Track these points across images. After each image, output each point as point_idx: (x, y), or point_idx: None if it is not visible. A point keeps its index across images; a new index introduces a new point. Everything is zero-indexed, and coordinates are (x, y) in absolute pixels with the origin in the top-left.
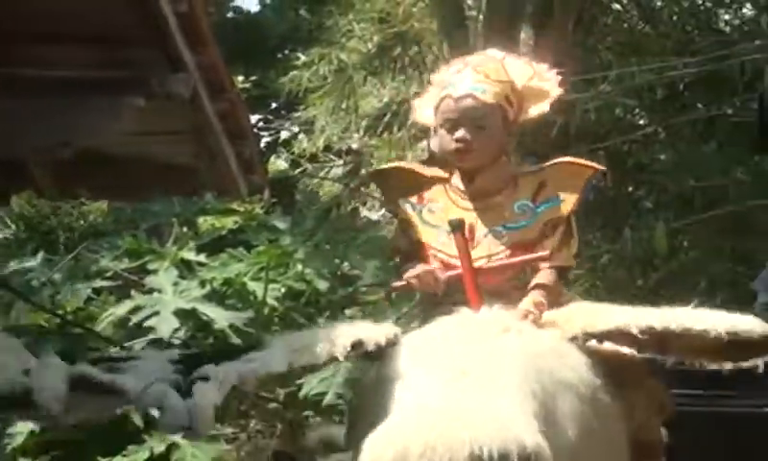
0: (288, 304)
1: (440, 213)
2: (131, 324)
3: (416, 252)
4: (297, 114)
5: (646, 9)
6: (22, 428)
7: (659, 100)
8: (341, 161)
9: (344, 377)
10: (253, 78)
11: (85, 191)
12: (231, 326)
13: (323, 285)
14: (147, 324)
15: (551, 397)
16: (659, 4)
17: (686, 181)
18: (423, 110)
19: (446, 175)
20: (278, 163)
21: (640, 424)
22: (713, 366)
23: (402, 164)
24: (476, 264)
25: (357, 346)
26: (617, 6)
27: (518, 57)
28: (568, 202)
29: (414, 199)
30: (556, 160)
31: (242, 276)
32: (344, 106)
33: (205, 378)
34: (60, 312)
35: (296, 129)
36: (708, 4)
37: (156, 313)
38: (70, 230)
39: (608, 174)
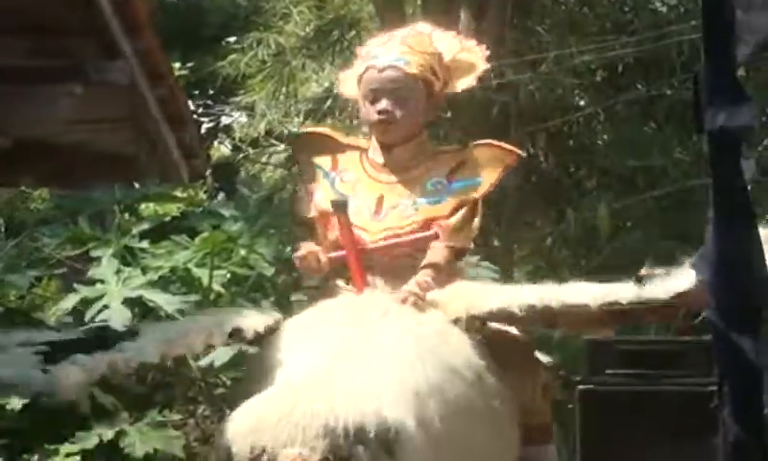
0: (234, 290)
1: (351, 183)
2: (85, 320)
3: (317, 220)
4: (236, 99)
5: None
6: None
7: (598, 81)
8: (282, 146)
9: None
10: (190, 64)
11: (25, 180)
12: (180, 311)
13: (268, 270)
14: (99, 318)
15: (434, 379)
16: None
17: (627, 162)
18: (348, 83)
19: (365, 144)
20: (221, 149)
21: (526, 406)
22: (596, 332)
23: (320, 129)
24: (379, 236)
25: (236, 334)
26: None
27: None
28: (484, 184)
29: (328, 165)
30: (477, 142)
31: (187, 262)
32: (283, 90)
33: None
34: (3, 301)
35: (236, 114)
36: None
37: (106, 306)
38: (10, 219)
39: (549, 155)
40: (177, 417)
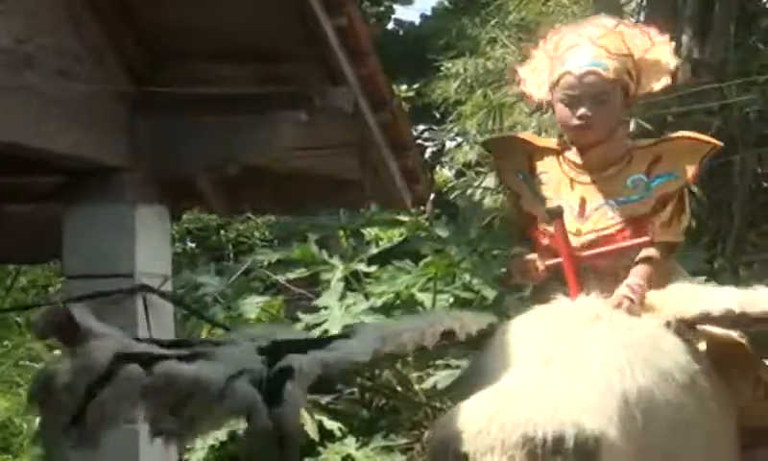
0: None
1: (551, 185)
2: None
3: (526, 224)
4: (449, 124)
5: None
6: (202, 443)
7: None
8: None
9: None
10: (416, 86)
11: (252, 205)
12: None
13: (490, 294)
14: None
15: (643, 384)
16: None
17: None
18: (535, 85)
19: (560, 147)
20: (443, 173)
21: (747, 409)
22: None
23: (516, 134)
24: (585, 238)
25: (448, 335)
26: None
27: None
28: (684, 177)
29: (526, 169)
30: (673, 135)
31: (411, 287)
32: (492, 116)
33: (289, 369)
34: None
35: (458, 139)
36: None
37: (326, 332)
38: (238, 244)
39: None
40: (402, 441)
